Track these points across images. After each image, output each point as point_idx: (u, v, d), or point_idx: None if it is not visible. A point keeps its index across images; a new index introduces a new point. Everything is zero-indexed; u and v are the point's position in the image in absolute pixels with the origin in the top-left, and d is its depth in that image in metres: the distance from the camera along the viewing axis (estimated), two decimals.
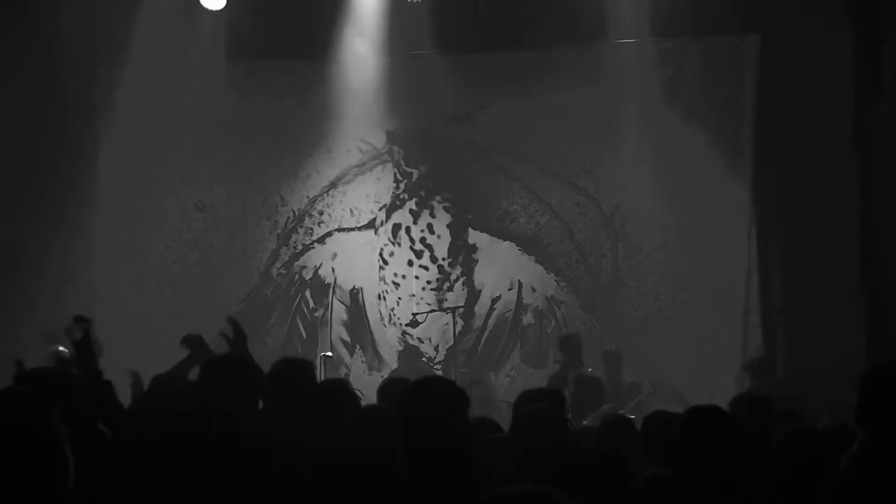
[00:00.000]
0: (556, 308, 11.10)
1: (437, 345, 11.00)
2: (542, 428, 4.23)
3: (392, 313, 11.29)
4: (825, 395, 8.88)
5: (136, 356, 5.33)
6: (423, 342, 11.10)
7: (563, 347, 9.58)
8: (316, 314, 11.41)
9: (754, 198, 10.77)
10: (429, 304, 11.13)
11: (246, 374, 4.05)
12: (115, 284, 11.13)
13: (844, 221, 10.20)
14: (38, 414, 3.07)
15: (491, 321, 11.20)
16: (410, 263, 11.37)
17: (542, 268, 11.17)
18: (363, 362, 11.22)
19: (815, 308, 10.14)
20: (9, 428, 2.85)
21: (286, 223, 11.52)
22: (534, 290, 11.16)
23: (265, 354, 9.77)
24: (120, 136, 11.43)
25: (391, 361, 11.09)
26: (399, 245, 11.40)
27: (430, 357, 10.86)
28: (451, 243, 11.35)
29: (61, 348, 8.38)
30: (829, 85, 10.21)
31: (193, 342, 5.04)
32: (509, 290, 11.20)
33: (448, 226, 11.37)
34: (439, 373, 10.29)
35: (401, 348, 11.12)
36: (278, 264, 11.46)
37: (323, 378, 8.40)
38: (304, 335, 11.34)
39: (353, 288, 11.41)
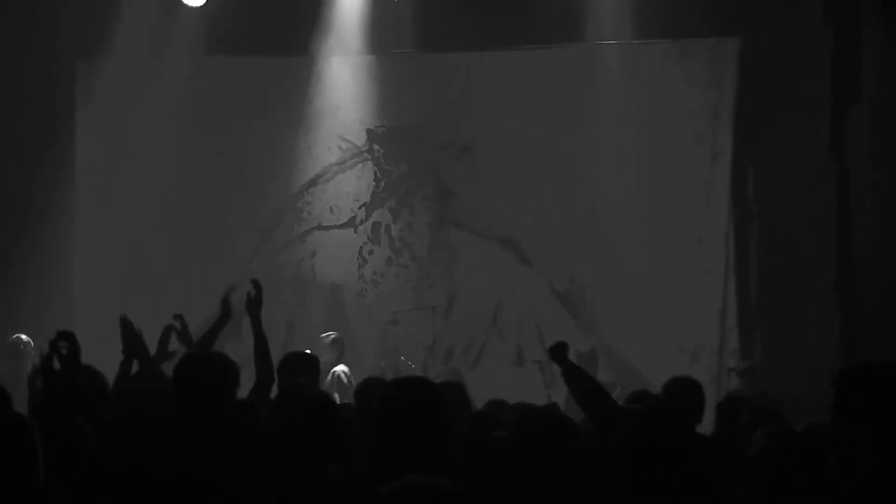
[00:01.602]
0: (534, 307, 11.12)
1: (417, 343, 10.97)
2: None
3: (371, 311, 11.29)
4: (801, 395, 8.95)
5: (116, 352, 5.30)
6: (402, 340, 11.07)
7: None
8: (296, 311, 11.39)
9: (732, 200, 10.83)
10: (408, 303, 11.12)
11: (216, 370, 3.96)
12: (96, 281, 11.10)
13: (821, 224, 10.30)
14: (8, 409, 3.09)
15: (470, 320, 11.21)
16: (390, 262, 11.38)
17: (521, 268, 11.19)
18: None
19: (792, 310, 10.22)
20: None
21: (266, 221, 11.49)
22: (514, 289, 11.17)
23: (243, 352, 9.79)
24: (99, 132, 11.40)
25: (370, 359, 11.05)
26: (379, 244, 11.40)
27: (409, 355, 10.82)
28: (431, 242, 11.36)
29: (24, 337, 8.48)
30: (807, 89, 10.30)
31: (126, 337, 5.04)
32: (489, 288, 11.21)
33: (428, 224, 11.38)
34: (414, 368, 10.28)
35: (380, 346, 11.11)
36: (258, 261, 11.43)
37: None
38: (283, 333, 11.31)
39: (333, 286, 11.40)
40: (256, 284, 5.17)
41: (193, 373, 3.89)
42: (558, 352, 4.95)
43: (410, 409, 3.59)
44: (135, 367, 5.11)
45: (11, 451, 2.89)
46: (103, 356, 5.29)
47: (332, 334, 9.60)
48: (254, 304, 5.12)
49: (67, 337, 4.27)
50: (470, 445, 3.85)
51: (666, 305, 10.66)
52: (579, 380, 4.83)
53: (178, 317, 5.65)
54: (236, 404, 3.91)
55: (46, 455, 3.04)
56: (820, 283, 10.21)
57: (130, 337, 4.99)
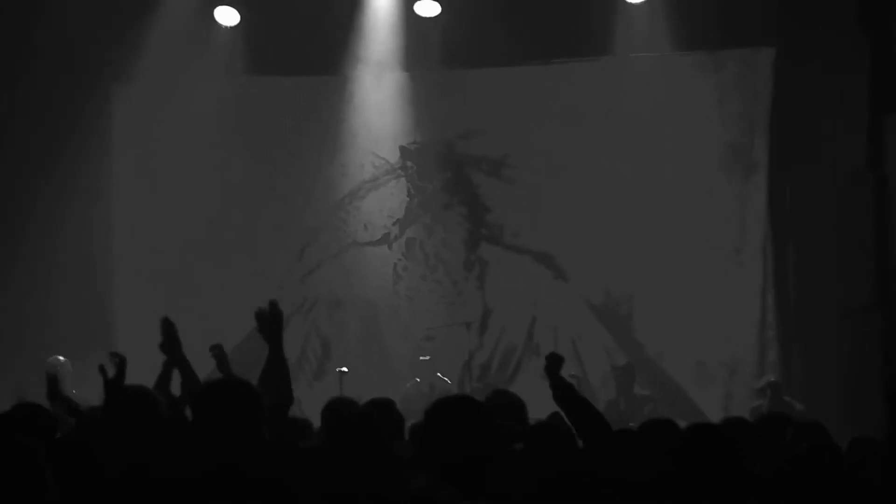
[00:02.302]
0: (570, 322, 11.06)
1: (452, 359, 10.92)
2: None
3: (406, 328, 11.27)
4: (841, 408, 8.85)
5: (149, 374, 5.33)
6: (437, 357, 11.01)
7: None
8: (331, 329, 11.40)
9: (770, 212, 10.73)
10: (443, 319, 11.10)
11: (239, 401, 3.86)
12: (129, 302, 11.18)
13: (859, 235, 10.19)
14: (19, 435, 3.12)
15: (505, 336, 11.17)
16: (424, 278, 11.37)
17: (556, 282, 11.15)
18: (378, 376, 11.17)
19: (831, 322, 10.10)
20: None
21: (300, 238, 11.53)
22: (549, 304, 11.12)
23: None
24: (134, 151, 11.51)
25: (405, 376, 11.02)
26: (413, 260, 11.40)
27: (444, 372, 10.79)
28: (465, 258, 11.34)
29: (61, 358, 8.54)
30: (843, 99, 10.21)
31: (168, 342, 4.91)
32: (524, 304, 11.16)
33: (462, 240, 11.37)
34: (450, 385, 10.26)
35: (415, 363, 11.06)
36: (292, 279, 11.46)
37: (340, 394, 8.38)
38: (318, 350, 11.34)
39: (368, 302, 11.40)
40: (273, 303, 4.58)
41: (213, 407, 3.79)
42: (552, 365, 4.96)
43: (456, 426, 3.61)
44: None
45: (15, 473, 2.93)
46: (143, 376, 5.31)
47: None
48: (266, 322, 4.51)
49: (119, 359, 4.27)
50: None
51: (703, 319, 10.58)
52: (567, 394, 4.86)
53: (216, 347, 5.54)
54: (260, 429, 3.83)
55: (57, 471, 3.07)
56: (859, 295, 10.10)
57: (172, 343, 4.88)
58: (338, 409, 5.14)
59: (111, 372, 4.29)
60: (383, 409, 4.99)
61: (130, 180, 11.49)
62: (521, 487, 3.61)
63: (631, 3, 10.76)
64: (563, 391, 4.85)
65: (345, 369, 9.65)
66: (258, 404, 3.82)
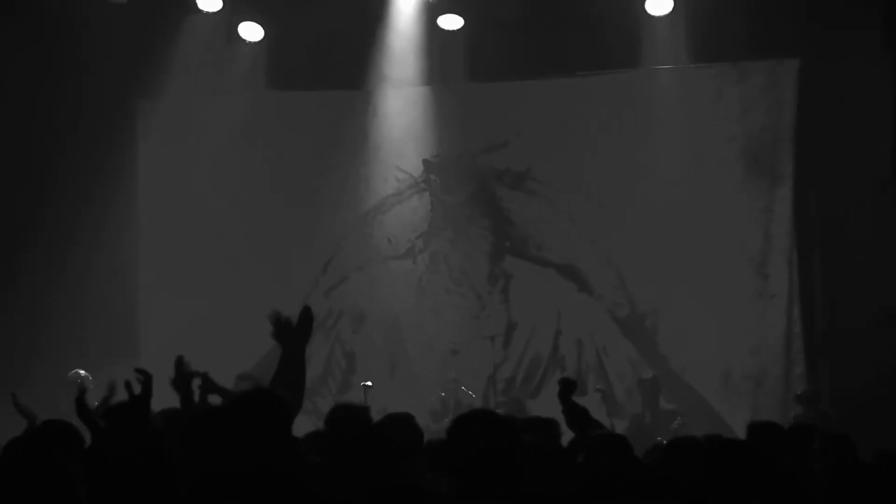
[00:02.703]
0: (595, 335, 11.03)
1: (477, 373, 10.91)
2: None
3: (431, 342, 11.26)
4: (868, 421, 8.77)
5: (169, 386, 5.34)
6: (461, 371, 11.01)
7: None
8: (355, 343, 11.41)
9: (795, 224, 10.67)
10: (467, 333, 11.08)
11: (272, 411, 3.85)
12: (153, 314, 11.23)
13: (885, 245, 10.11)
14: (52, 450, 3.17)
15: (530, 349, 11.14)
16: (449, 291, 11.36)
17: (581, 295, 11.12)
18: (402, 390, 11.17)
19: (858, 334, 10.02)
20: (26, 466, 2.99)
21: (324, 252, 11.55)
22: (573, 317, 11.09)
23: (311, 373, 9.81)
24: (159, 165, 11.58)
25: (430, 390, 11.02)
26: (437, 273, 11.40)
27: (469, 385, 10.77)
28: (489, 271, 11.33)
29: (82, 372, 8.62)
30: (867, 109, 10.15)
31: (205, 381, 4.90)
32: (549, 317, 11.14)
33: (486, 253, 11.36)
34: (475, 398, 10.24)
35: (440, 377, 11.05)
36: (316, 293, 11.48)
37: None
38: (342, 364, 11.35)
39: (392, 316, 11.40)
40: (305, 308, 4.44)
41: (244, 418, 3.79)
42: (564, 391, 5.00)
43: (479, 439, 3.62)
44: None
45: (49, 489, 2.97)
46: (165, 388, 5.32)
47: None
48: (286, 327, 4.39)
49: (145, 376, 4.29)
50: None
51: (729, 331, 10.52)
52: (580, 420, 4.91)
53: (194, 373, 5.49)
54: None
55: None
56: (886, 305, 10.01)
57: (183, 380, 4.86)
58: (343, 418, 5.14)
59: (137, 389, 4.31)
60: (401, 423, 4.98)
61: (155, 194, 11.55)
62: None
63: (654, 16, 10.74)
64: (576, 417, 4.89)
65: (369, 383, 9.64)
66: (289, 418, 3.86)
